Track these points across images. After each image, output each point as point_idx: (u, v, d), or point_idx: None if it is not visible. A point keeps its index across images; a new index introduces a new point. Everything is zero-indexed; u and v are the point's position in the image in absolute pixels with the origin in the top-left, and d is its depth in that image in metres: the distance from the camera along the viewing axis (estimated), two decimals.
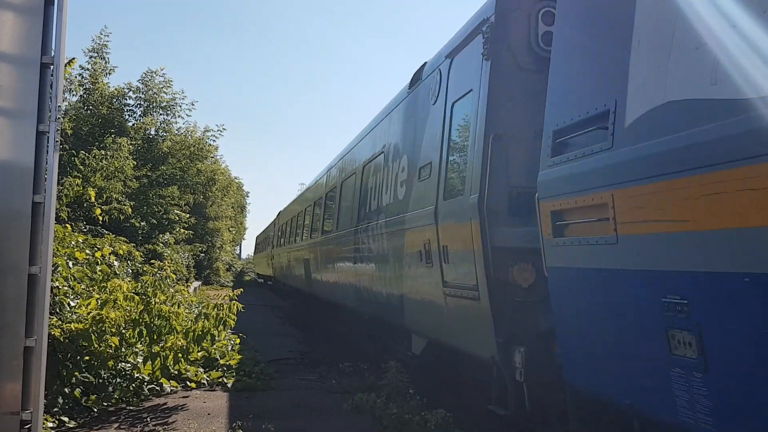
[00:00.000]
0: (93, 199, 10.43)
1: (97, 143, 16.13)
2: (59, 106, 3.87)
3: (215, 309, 7.11)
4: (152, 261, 9.11)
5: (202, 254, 26.28)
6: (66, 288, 6.34)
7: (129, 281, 7.71)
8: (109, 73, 19.06)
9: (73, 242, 7.31)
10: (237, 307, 7.30)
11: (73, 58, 11.43)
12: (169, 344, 6.55)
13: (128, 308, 6.46)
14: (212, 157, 25.54)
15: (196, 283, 22.49)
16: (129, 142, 16.50)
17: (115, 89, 19.28)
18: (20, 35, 3.80)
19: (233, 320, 7.19)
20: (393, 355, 7.10)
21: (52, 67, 3.86)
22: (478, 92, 4.68)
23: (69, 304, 6.23)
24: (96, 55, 18.69)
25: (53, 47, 3.85)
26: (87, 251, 7.35)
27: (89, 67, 18.55)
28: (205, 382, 7.14)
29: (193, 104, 21.27)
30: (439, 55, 5.89)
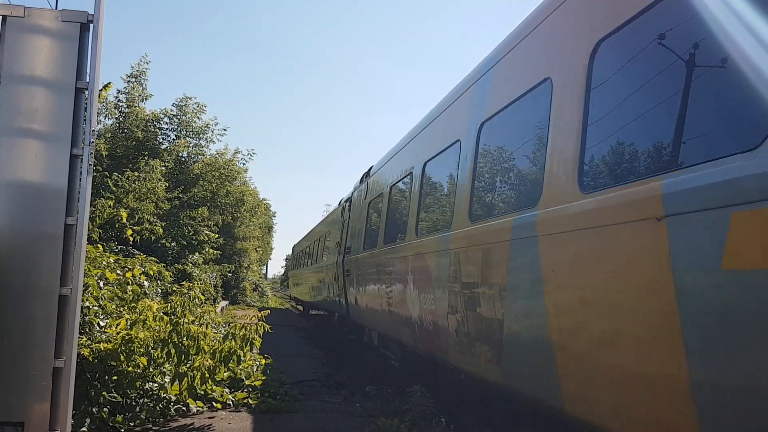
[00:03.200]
0: (125, 219, 10.61)
1: (130, 165, 16.50)
2: (93, 131, 3.97)
3: (242, 329, 7.10)
4: (182, 282, 9.18)
5: (230, 274, 26.49)
6: (96, 308, 6.41)
7: (159, 301, 7.77)
8: (146, 99, 19.54)
9: (104, 263, 7.41)
10: (264, 328, 7.28)
11: (110, 83, 11.68)
12: (196, 364, 6.56)
13: (157, 328, 6.49)
14: (242, 179, 25.88)
15: (224, 303, 22.64)
16: (161, 164, 16.82)
17: (151, 113, 19.73)
18: (56, 60, 3.91)
19: (259, 341, 7.18)
20: (417, 379, 6.99)
21: (86, 91, 3.97)
22: None
23: (99, 324, 6.29)
24: (134, 80, 19.22)
25: (88, 72, 3.96)
26: (118, 271, 7.44)
27: (126, 91, 19.07)
28: (231, 402, 7.13)
29: (225, 130, 21.62)
30: None
